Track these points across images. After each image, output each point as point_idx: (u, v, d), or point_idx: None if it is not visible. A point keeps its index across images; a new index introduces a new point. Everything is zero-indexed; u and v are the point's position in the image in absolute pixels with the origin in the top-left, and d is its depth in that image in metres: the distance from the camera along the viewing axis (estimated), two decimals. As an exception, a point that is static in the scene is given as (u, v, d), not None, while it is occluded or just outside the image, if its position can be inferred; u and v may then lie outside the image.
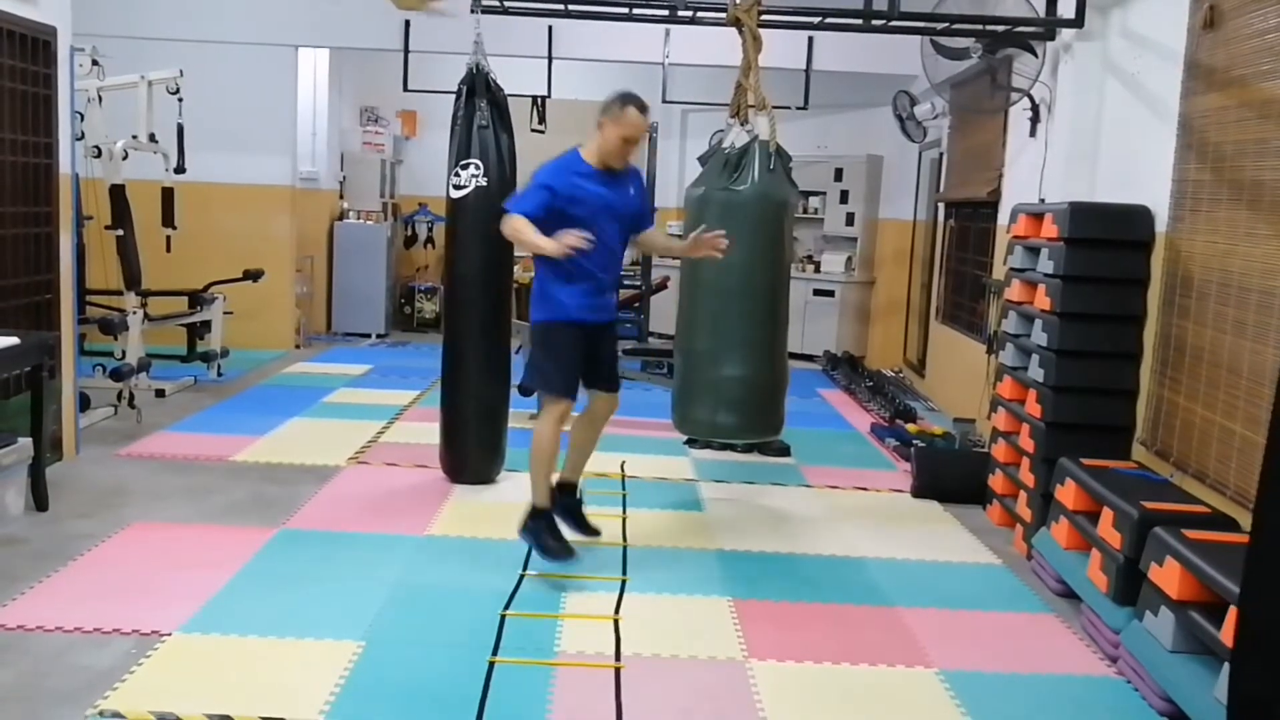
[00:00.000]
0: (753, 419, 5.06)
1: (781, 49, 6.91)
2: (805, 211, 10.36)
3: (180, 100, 6.93)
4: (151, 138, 6.87)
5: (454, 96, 5.15)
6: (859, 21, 5.73)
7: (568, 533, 4.21)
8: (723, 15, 5.23)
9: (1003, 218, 6.33)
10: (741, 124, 4.92)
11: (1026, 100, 5.84)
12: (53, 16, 5.16)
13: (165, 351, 7.42)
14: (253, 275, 8.00)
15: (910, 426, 6.79)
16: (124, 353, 6.63)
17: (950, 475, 5.52)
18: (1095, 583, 3.84)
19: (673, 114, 11.06)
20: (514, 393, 5.36)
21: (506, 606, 3.81)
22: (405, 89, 8.23)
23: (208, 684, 3.12)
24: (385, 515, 4.79)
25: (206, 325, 7.70)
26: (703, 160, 5.30)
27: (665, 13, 5.85)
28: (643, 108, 3.99)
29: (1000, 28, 5.58)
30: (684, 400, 5.12)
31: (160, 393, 6.94)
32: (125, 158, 6.55)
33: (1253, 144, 3.93)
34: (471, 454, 5.30)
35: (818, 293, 10.19)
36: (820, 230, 10.59)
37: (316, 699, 3.05)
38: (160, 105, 6.93)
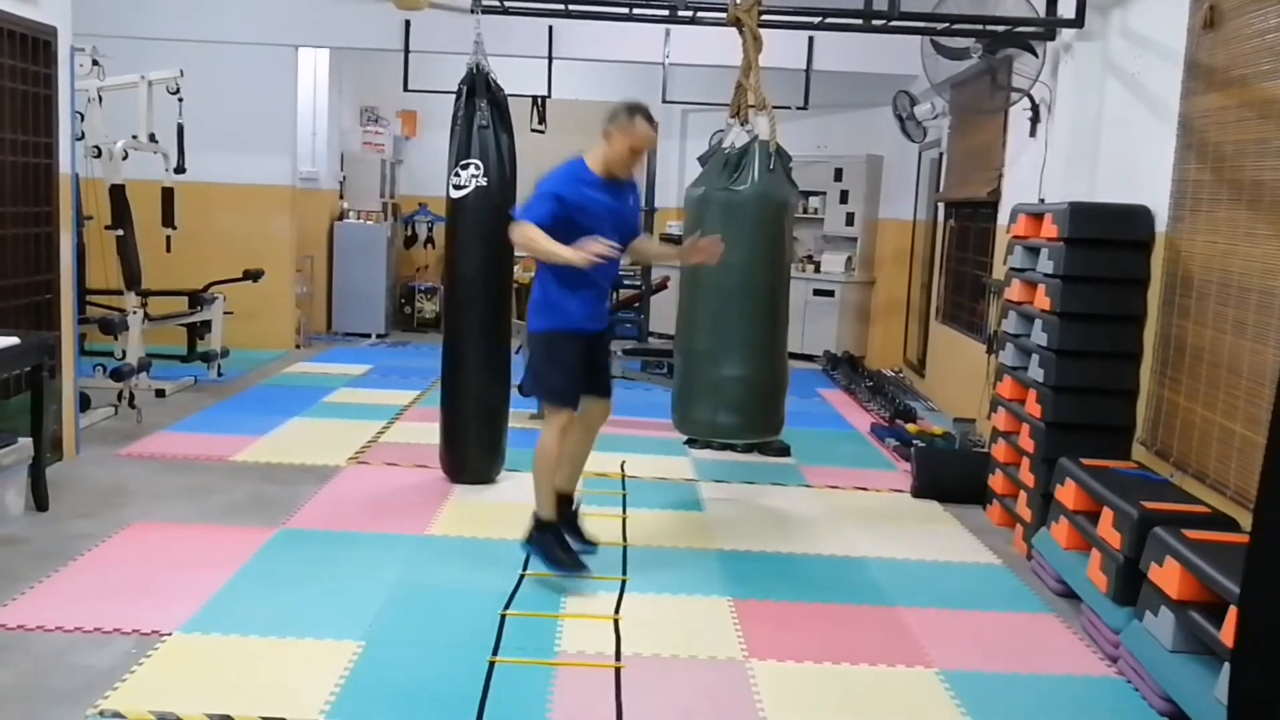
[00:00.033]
0: (753, 419, 5.06)
1: (781, 49, 6.91)
2: (805, 211, 10.36)
3: (180, 100, 6.93)
4: (152, 138, 6.87)
5: (454, 96, 5.15)
6: (859, 21, 5.73)
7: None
8: (723, 15, 5.23)
9: (1003, 218, 6.34)
10: (742, 124, 4.92)
11: (1026, 100, 5.84)
12: (53, 16, 5.16)
13: (165, 351, 7.43)
14: (253, 275, 8.01)
15: (910, 426, 6.79)
16: (124, 353, 6.63)
17: (950, 475, 5.52)
18: (1095, 583, 3.84)
19: (673, 114, 11.07)
20: (514, 393, 5.37)
21: (506, 606, 3.81)
22: (405, 89, 8.23)
23: (208, 684, 3.12)
24: (385, 515, 4.79)
25: (207, 325, 7.70)
26: (703, 160, 5.30)
27: (665, 13, 5.86)
28: (651, 119, 3.96)
29: (1000, 28, 5.58)
30: (684, 400, 5.12)
31: (160, 393, 6.94)
32: (125, 158, 6.55)
33: (1253, 144, 3.93)
34: (471, 454, 5.30)
35: (818, 293, 10.19)
36: (820, 230, 10.59)
37: (316, 699, 3.06)
38: (160, 105, 6.93)
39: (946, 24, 5.61)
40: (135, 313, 6.69)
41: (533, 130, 9.23)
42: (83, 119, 6.27)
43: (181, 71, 6.90)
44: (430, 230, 11.42)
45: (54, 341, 5.00)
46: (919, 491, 5.52)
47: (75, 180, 5.75)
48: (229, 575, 3.96)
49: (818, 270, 10.42)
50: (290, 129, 9.12)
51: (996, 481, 5.21)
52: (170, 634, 3.43)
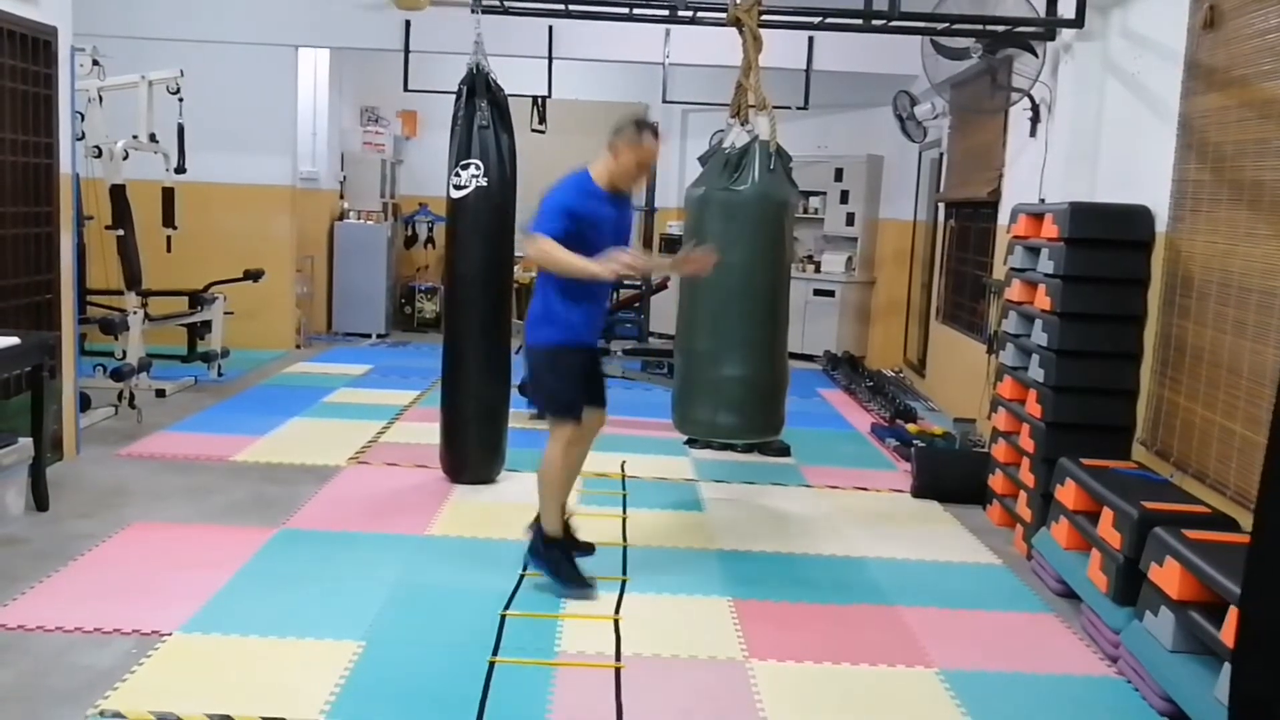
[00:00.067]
0: (753, 419, 5.06)
1: (782, 49, 6.91)
2: (805, 211, 10.35)
3: (180, 100, 6.93)
4: (152, 138, 6.87)
5: (454, 96, 5.14)
6: (859, 21, 5.73)
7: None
8: (723, 15, 5.23)
9: (1003, 218, 6.34)
10: (742, 124, 4.92)
11: (1026, 100, 5.84)
12: (53, 16, 5.16)
13: (165, 351, 7.42)
14: (253, 275, 8.01)
15: (910, 426, 6.79)
16: (124, 353, 6.63)
17: (950, 475, 5.52)
18: (1095, 583, 3.84)
19: (673, 114, 11.07)
20: (514, 393, 5.37)
21: (506, 606, 3.81)
22: (405, 89, 8.23)
23: (208, 684, 3.13)
24: (385, 515, 4.79)
25: (207, 325, 7.70)
26: (703, 160, 5.30)
27: (665, 13, 5.86)
28: (657, 135, 3.97)
29: (1000, 28, 5.58)
30: (684, 400, 5.12)
31: (161, 393, 6.94)
32: (125, 158, 6.56)
33: (1253, 144, 3.93)
34: (472, 454, 5.30)
35: (818, 293, 10.19)
36: (820, 230, 10.59)
37: (316, 699, 3.06)
38: (160, 105, 6.93)
39: (946, 24, 5.61)
40: (135, 313, 6.69)
41: (533, 130, 9.24)
42: (83, 119, 6.27)
43: (181, 71, 6.90)
44: (430, 230, 11.42)
45: (54, 341, 5.00)
46: (919, 491, 5.52)
47: (76, 180, 5.75)
48: (229, 575, 3.96)
49: (818, 270, 10.42)
50: (290, 129, 9.12)
51: (996, 481, 5.21)
52: (170, 634, 3.43)
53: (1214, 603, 3.09)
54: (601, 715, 3.08)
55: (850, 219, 10.26)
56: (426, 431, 5.81)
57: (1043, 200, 5.56)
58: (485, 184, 5.02)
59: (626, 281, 9.11)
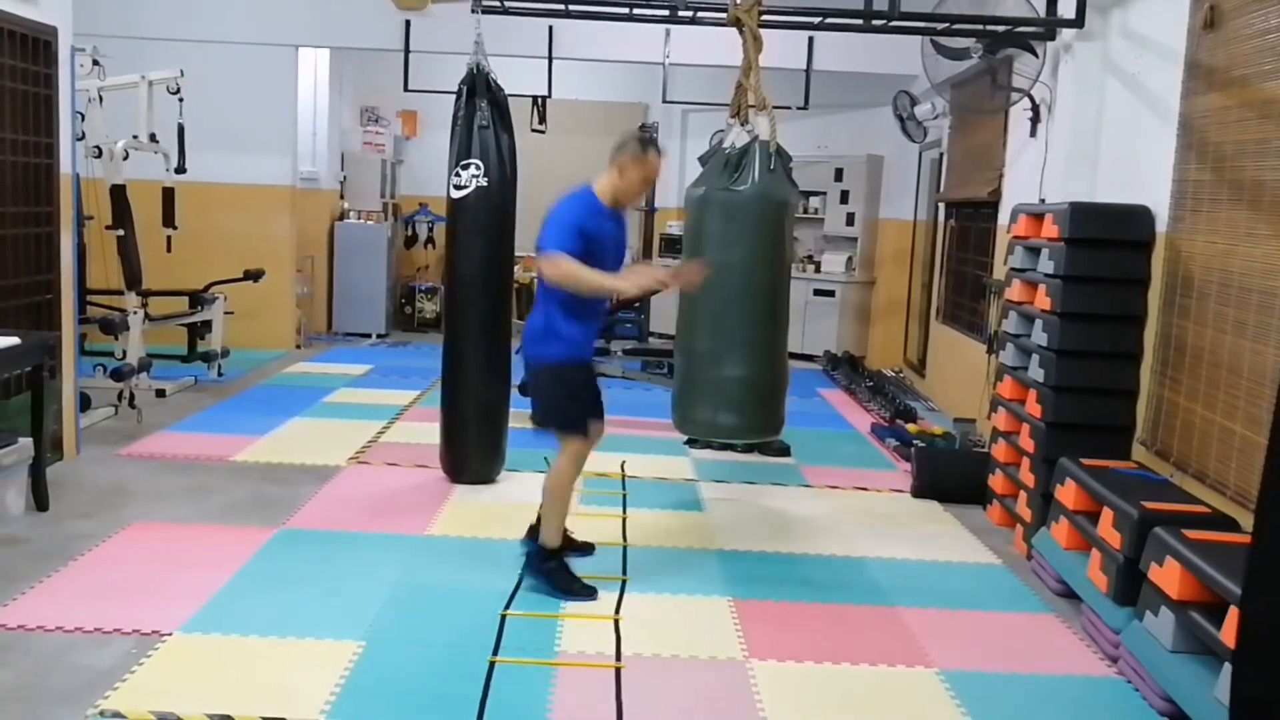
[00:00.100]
0: (753, 419, 5.05)
1: (782, 49, 6.91)
2: (805, 211, 10.36)
3: (180, 100, 6.94)
4: (152, 138, 6.87)
5: (454, 96, 5.14)
6: (859, 21, 5.73)
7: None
8: (723, 15, 5.23)
9: (1003, 218, 6.34)
10: (742, 124, 4.91)
11: (1027, 100, 5.83)
12: (53, 16, 5.16)
13: (166, 351, 7.43)
14: (253, 275, 8.01)
15: (910, 426, 6.79)
16: (124, 353, 6.63)
17: (950, 475, 5.52)
18: (1095, 583, 3.84)
19: (673, 114, 11.08)
20: (514, 393, 5.37)
21: (506, 606, 3.81)
22: (405, 89, 8.23)
23: (208, 684, 3.13)
24: (385, 515, 4.79)
25: (207, 325, 7.70)
26: (703, 160, 5.30)
27: (665, 13, 5.85)
28: (660, 151, 3.98)
29: (1000, 28, 5.57)
30: (684, 400, 5.11)
31: (161, 393, 6.94)
32: (126, 158, 6.56)
33: (1253, 144, 3.93)
34: (472, 454, 5.30)
35: (818, 293, 10.19)
36: (820, 230, 10.59)
37: (316, 699, 3.06)
38: (160, 105, 6.93)
39: (946, 24, 5.61)
40: (136, 313, 6.69)
41: (533, 130, 9.24)
42: (83, 119, 6.27)
43: (182, 71, 6.90)
44: (430, 230, 11.42)
45: (54, 341, 5.00)
46: (919, 491, 5.52)
47: (76, 180, 5.75)
48: (229, 575, 3.96)
49: (818, 270, 10.42)
50: (290, 129, 9.12)
51: (996, 481, 5.21)
52: (170, 634, 3.43)
53: (1214, 603, 3.09)
54: (601, 715, 3.08)
55: (850, 219, 10.26)
56: (426, 431, 5.81)
57: (1043, 200, 5.56)
58: (485, 184, 5.02)
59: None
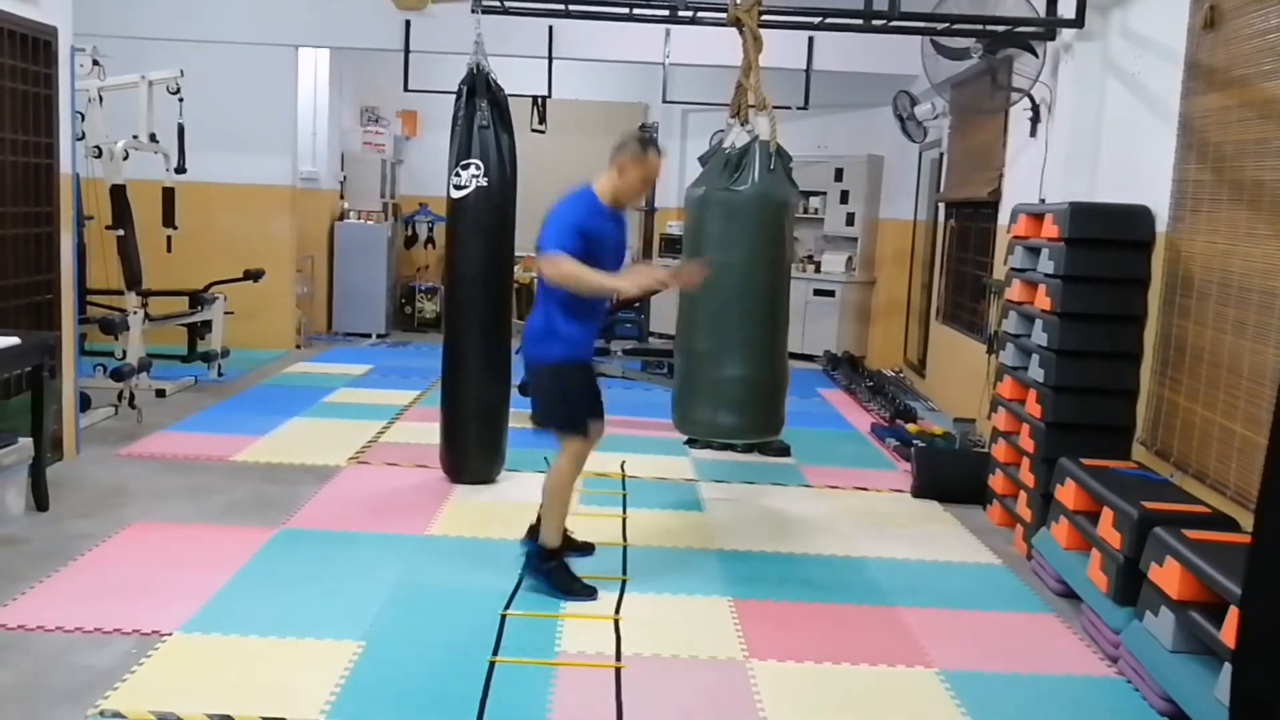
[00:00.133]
0: (753, 419, 5.05)
1: (782, 49, 6.91)
2: (805, 211, 10.36)
3: (180, 100, 6.94)
4: (152, 138, 6.87)
5: (454, 96, 5.14)
6: (859, 21, 5.73)
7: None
8: (723, 15, 5.23)
9: (1003, 218, 6.34)
10: (742, 124, 4.92)
11: (1027, 100, 5.83)
12: (53, 16, 5.16)
13: (166, 351, 7.43)
14: (253, 275, 8.01)
15: (910, 426, 6.79)
16: (124, 353, 6.63)
17: (950, 475, 5.52)
18: (1095, 583, 3.84)
19: (673, 114, 11.08)
20: (514, 393, 5.37)
21: (506, 606, 3.81)
22: (405, 89, 8.23)
23: (208, 684, 3.13)
24: (385, 515, 4.79)
25: (207, 325, 7.70)
26: (703, 160, 5.30)
27: (665, 13, 5.85)
28: (660, 151, 3.98)
29: (1000, 28, 5.58)
30: (684, 400, 5.11)
31: (161, 393, 6.94)
32: (126, 158, 6.56)
33: (1253, 144, 3.93)
34: (471, 454, 5.30)
35: (818, 293, 10.19)
36: (820, 230, 10.59)
37: (316, 699, 3.06)
38: (160, 105, 6.93)
39: (946, 24, 5.61)
40: (136, 313, 6.69)
41: (533, 130, 9.24)
42: (83, 119, 6.27)
43: (181, 71, 6.90)
44: (430, 230, 11.42)
45: (54, 341, 5.00)
46: (919, 491, 5.52)
47: (76, 180, 5.75)
48: (229, 575, 3.96)
49: (818, 270, 10.42)
50: (290, 129, 9.12)
51: (996, 481, 5.21)
52: (170, 634, 3.43)
53: (1214, 603, 3.09)
54: (601, 715, 3.08)
55: (850, 219, 10.26)
56: (426, 431, 5.81)
57: (1043, 200, 5.56)
58: (485, 184, 5.02)
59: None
